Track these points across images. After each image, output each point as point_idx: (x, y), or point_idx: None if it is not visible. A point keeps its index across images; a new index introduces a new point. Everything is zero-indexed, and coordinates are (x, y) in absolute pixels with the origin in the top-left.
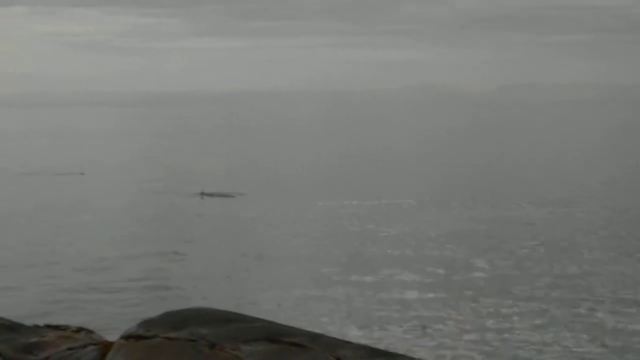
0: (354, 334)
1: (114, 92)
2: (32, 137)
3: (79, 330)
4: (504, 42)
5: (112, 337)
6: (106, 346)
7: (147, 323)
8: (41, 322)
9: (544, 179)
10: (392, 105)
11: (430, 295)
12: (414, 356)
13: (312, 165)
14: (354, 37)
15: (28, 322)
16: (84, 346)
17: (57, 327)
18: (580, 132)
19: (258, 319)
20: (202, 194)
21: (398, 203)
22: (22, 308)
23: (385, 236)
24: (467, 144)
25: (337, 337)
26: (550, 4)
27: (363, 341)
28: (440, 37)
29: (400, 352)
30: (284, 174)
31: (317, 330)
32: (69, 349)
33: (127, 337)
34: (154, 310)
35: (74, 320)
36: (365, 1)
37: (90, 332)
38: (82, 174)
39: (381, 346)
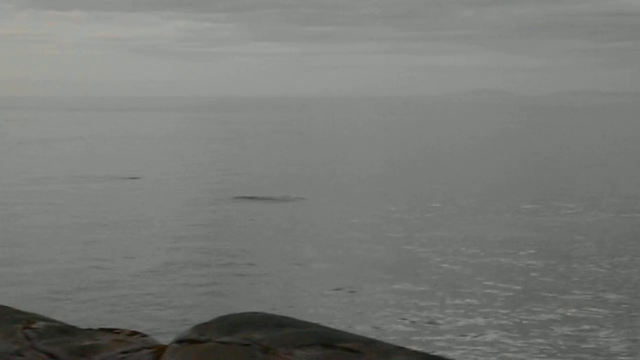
0: None
1: (171, 96)
2: (88, 141)
3: (133, 333)
4: (558, 48)
5: (166, 341)
6: (160, 350)
7: (200, 327)
8: None
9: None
10: (449, 109)
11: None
12: None
13: (371, 169)
14: (411, 43)
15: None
16: (138, 350)
17: (110, 331)
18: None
19: (311, 323)
20: (260, 198)
21: (464, 206)
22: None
23: (455, 242)
24: (522, 146)
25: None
26: (604, 11)
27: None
28: (496, 44)
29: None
30: (344, 178)
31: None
32: (123, 352)
33: (180, 341)
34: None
35: None
36: (422, 8)
37: (144, 335)
38: (137, 178)
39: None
